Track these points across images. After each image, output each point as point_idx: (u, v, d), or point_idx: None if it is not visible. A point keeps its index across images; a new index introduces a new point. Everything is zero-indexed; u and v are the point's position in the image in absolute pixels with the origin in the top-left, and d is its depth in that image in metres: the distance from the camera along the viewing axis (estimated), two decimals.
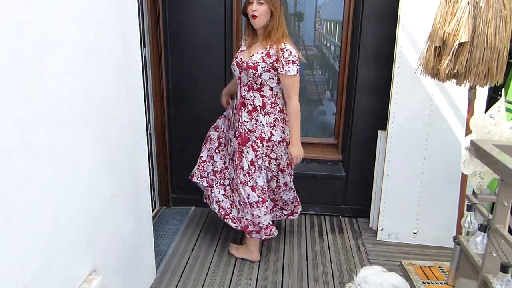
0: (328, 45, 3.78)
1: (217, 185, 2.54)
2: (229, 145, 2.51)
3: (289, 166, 2.43)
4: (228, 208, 2.50)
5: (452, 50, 1.88)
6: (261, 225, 2.36)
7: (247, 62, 2.24)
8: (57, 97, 1.29)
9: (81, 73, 1.43)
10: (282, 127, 2.33)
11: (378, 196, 2.86)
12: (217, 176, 2.55)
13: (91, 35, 1.50)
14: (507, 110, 2.25)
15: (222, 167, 2.55)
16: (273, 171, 2.39)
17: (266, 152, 2.32)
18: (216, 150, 2.57)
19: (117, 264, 1.82)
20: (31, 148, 1.17)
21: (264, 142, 2.30)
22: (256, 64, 2.20)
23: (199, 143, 3.12)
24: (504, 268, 1.34)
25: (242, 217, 2.43)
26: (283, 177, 2.45)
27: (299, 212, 2.65)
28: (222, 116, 2.59)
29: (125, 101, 1.83)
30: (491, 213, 1.54)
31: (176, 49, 2.93)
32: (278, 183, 2.46)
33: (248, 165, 2.32)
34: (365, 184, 2.96)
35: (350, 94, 2.95)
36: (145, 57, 2.78)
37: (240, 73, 2.29)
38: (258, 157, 2.31)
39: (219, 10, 2.84)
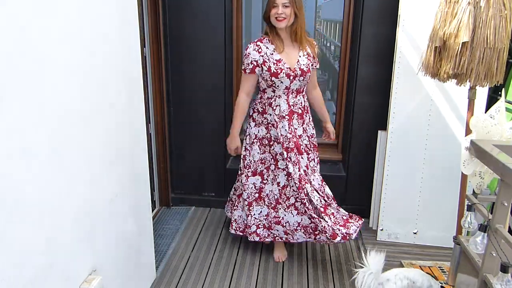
0: (328, 45, 3.78)
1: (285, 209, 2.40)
2: (279, 162, 2.35)
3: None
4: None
5: (455, 51, 1.88)
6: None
7: (301, 68, 2.23)
8: (57, 97, 1.29)
9: (81, 73, 1.43)
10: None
11: (378, 196, 2.86)
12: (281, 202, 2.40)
13: (91, 35, 1.50)
14: (507, 110, 2.25)
15: (279, 191, 2.40)
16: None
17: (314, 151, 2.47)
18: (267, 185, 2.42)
19: (117, 264, 1.82)
20: (31, 148, 1.17)
21: (312, 140, 2.44)
22: (309, 67, 2.29)
23: (199, 143, 3.12)
24: (504, 268, 1.34)
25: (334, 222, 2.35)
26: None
27: None
28: (251, 145, 2.37)
29: (125, 101, 1.83)
30: (491, 213, 1.54)
31: (176, 49, 2.93)
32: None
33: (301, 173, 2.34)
34: (365, 184, 2.96)
35: (350, 94, 2.95)
36: (145, 57, 2.78)
37: (292, 81, 2.23)
38: (310, 159, 2.43)
39: (219, 10, 2.84)
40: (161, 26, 2.81)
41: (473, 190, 1.92)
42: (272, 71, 2.18)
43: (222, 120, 3.06)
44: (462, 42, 1.86)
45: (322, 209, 2.31)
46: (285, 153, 2.28)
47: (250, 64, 2.22)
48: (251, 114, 2.38)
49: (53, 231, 1.30)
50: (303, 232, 2.38)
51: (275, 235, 2.44)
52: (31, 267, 1.20)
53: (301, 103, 2.33)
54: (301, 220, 2.36)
